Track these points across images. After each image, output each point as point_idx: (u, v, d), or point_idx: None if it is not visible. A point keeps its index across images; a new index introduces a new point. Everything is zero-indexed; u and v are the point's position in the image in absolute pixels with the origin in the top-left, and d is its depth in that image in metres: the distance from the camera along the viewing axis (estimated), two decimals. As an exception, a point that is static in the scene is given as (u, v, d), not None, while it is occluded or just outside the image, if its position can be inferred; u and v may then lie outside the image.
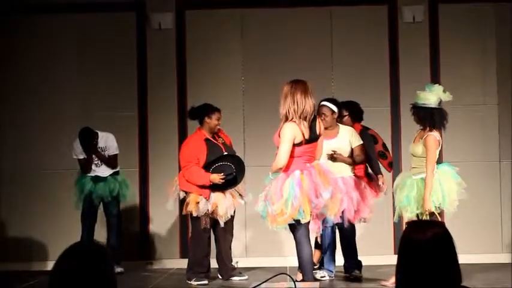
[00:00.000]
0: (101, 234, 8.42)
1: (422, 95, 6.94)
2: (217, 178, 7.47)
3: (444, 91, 6.96)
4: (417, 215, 6.80)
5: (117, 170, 8.55)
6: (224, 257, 7.79)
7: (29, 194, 9.13)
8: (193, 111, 7.83)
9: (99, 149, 8.46)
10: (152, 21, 9.25)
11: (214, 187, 7.52)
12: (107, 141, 8.49)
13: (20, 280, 8.12)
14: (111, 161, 8.48)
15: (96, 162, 8.46)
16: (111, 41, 9.29)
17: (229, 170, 7.55)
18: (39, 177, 9.12)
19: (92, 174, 8.45)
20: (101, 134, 8.50)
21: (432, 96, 6.91)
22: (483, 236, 8.94)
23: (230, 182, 7.57)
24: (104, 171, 8.48)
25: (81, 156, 8.44)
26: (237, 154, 7.82)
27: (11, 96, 9.30)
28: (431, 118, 6.88)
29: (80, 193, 8.45)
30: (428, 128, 6.91)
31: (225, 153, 7.69)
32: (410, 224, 2.72)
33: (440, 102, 6.96)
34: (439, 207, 6.77)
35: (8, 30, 9.31)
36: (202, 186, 7.50)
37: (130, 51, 9.28)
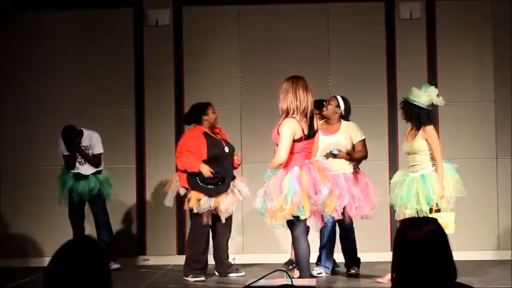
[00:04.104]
0: (93, 233, 8.39)
1: (416, 92, 6.96)
2: (206, 169, 7.46)
3: (438, 95, 6.98)
4: (416, 212, 6.82)
5: (100, 169, 8.52)
6: (221, 253, 7.79)
7: (27, 190, 9.13)
8: (187, 116, 7.85)
9: (82, 148, 8.44)
10: (149, 18, 9.25)
11: (194, 185, 7.51)
12: (91, 140, 8.44)
13: (16, 277, 8.11)
14: (94, 160, 8.44)
15: (79, 160, 8.43)
16: (109, 38, 9.28)
17: (219, 176, 7.54)
18: (37, 174, 9.11)
19: (75, 171, 8.43)
20: (86, 132, 8.46)
21: (424, 97, 6.92)
22: (480, 233, 8.95)
23: (211, 188, 7.54)
24: (86, 169, 8.44)
25: (66, 153, 8.43)
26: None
27: (8, 93, 9.29)
28: (417, 117, 6.90)
29: (62, 189, 8.44)
30: (415, 126, 6.94)
31: (226, 148, 7.69)
32: (404, 221, 2.72)
33: (431, 105, 6.98)
34: (437, 204, 6.79)
35: (6, 27, 9.30)
36: (191, 174, 7.50)
37: (128, 47, 9.28)
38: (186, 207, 7.64)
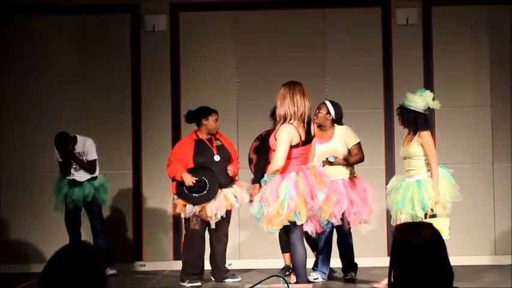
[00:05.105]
0: (89, 239, 8.37)
1: (410, 97, 6.96)
2: (189, 178, 7.47)
3: (434, 99, 6.98)
4: (412, 217, 6.82)
5: (95, 175, 8.50)
6: (218, 258, 7.78)
7: (27, 195, 9.11)
8: (190, 114, 7.84)
9: (77, 154, 8.42)
10: (146, 24, 9.25)
11: (180, 193, 7.52)
12: (85, 146, 8.43)
13: (14, 282, 8.10)
14: (89, 166, 8.42)
15: (74, 166, 8.42)
16: (105, 43, 9.28)
17: (201, 184, 7.54)
18: (37, 179, 9.09)
19: (70, 177, 8.42)
20: (79, 138, 8.45)
21: (420, 101, 6.92)
22: (476, 238, 8.95)
23: (196, 196, 7.54)
24: (81, 176, 8.42)
25: (61, 159, 8.43)
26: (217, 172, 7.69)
27: (8, 98, 9.28)
28: (414, 122, 6.91)
29: (57, 195, 8.43)
30: (412, 131, 6.94)
31: (216, 156, 7.68)
32: (400, 226, 2.72)
33: (427, 109, 6.98)
34: (432, 210, 6.79)
35: (5, 32, 9.30)
36: (178, 182, 7.53)
37: (125, 53, 9.28)
38: (174, 212, 7.68)
